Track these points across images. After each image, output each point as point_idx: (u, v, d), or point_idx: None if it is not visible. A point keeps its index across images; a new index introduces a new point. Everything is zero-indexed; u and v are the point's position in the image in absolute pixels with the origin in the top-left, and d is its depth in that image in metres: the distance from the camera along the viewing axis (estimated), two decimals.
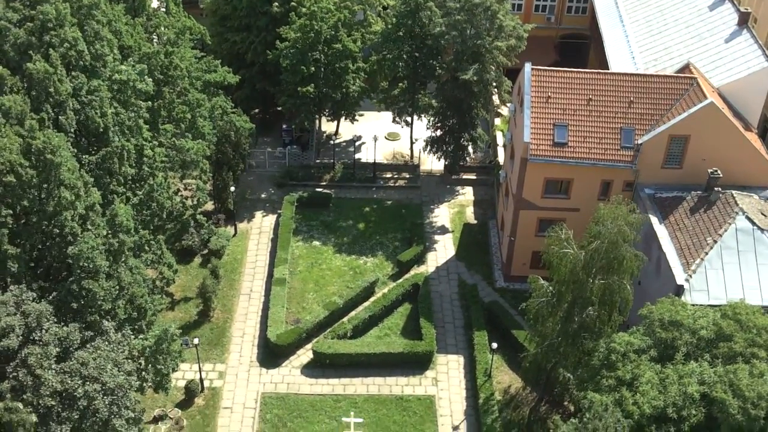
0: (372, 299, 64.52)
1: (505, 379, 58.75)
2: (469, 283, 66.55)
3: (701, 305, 51.57)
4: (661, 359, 48.72)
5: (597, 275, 50.63)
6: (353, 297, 64.00)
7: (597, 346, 49.96)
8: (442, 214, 74.25)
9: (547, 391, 56.70)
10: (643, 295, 55.79)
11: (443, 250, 70.66)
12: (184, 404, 56.55)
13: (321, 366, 59.14)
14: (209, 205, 70.78)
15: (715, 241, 54.90)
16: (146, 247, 57.24)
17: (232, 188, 70.95)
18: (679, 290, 53.47)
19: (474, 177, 78.80)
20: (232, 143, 70.20)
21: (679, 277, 54.09)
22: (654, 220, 58.38)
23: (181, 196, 63.01)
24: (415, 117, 78.03)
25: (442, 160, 78.23)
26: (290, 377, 58.79)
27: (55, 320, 44.33)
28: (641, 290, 57.41)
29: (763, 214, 56.35)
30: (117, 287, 47.80)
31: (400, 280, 66.52)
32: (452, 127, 74.84)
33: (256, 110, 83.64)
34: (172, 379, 53.34)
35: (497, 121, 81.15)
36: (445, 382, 58.67)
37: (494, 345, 57.71)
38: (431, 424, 55.56)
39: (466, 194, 77.08)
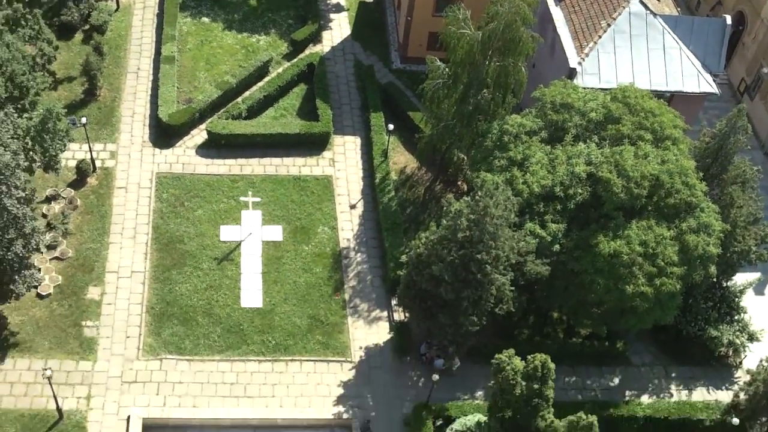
0: (266, 79, 63.19)
1: (401, 159, 59.85)
2: (365, 64, 65.88)
3: (592, 88, 52.90)
4: (551, 141, 50.34)
5: (493, 57, 50.93)
6: (246, 76, 62.47)
7: (490, 128, 51.02)
8: None
9: (441, 172, 58.28)
10: (537, 78, 56.79)
11: (338, 29, 69.11)
12: (77, 184, 55.42)
13: (216, 146, 58.53)
14: None
15: (609, 25, 55.57)
16: (22, 22, 53.97)
17: None
18: (572, 73, 54.57)
19: None
20: None
21: (572, 60, 55.02)
22: (550, 1, 58.39)
23: None
24: None
25: None
26: (185, 157, 58.09)
27: None
28: (535, 73, 58.37)
29: None
30: None
31: (295, 60, 65.12)
32: None
33: None
34: (62, 159, 52.03)
35: None
36: (342, 163, 59.35)
37: (390, 126, 58.19)
38: (329, 203, 56.65)
39: None
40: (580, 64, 54.97)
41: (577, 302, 47.46)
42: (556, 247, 46.38)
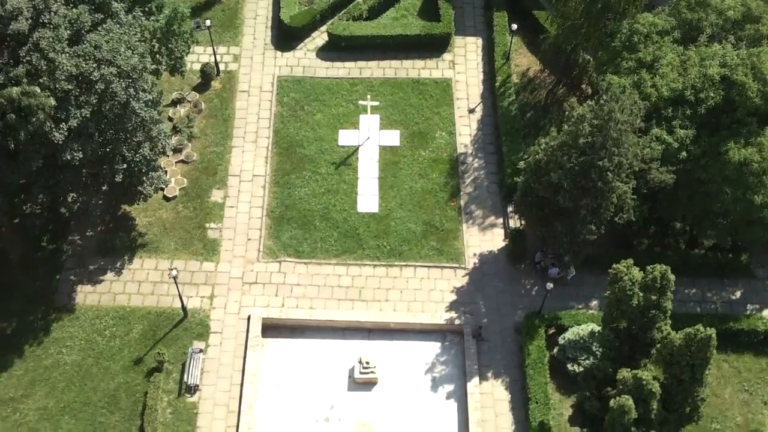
0: None
1: (523, 62, 57.88)
2: None
3: None
4: (684, 41, 47.57)
5: None
6: None
7: (620, 27, 48.59)
8: None
9: (565, 74, 56.07)
10: None
11: None
12: (201, 88, 56.50)
13: (337, 49, 58.17)
14: None
15: None
16: None
17: None
18: None
19: None
20: None
21: None
22: None
23: None
24: None
25: None
26: (305, 60, 58.12)
27: (64, 2, 43.04)
28: None
29: None
30: None
31: None
32: None
33: None
34: (186, 62, 52.99)
35: None
36: (463, 65, 57.90)
37: (514, 26, 56.09)
38: (447, 107, 55.69)
39: None
40: None
41: (702, 212, 45.39)
42: (683, 153, 44.23)
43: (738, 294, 48.62)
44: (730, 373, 45.92)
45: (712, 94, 44.73)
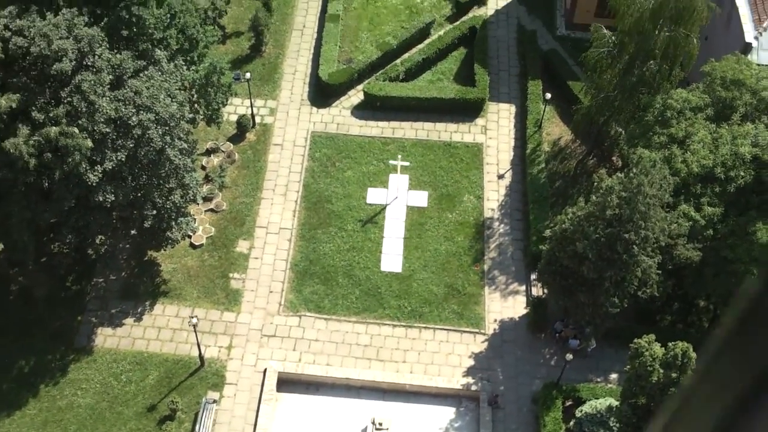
0: (427, 41, 62.86)
1: (555, 131, 58.14)
2: (528, 29, 64.12)
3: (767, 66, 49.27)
4: (717, 119, 47.52)
5: (664, 26, 48.38)
6: (408, 38, 62.35)
7: (653, 102, 48.73)
8: None
9: (596, 145, 56.17)
10: (707, 51, 53.35)
11: None
12: (236, 139, 57.42)
13: (371, 108, 58.94)
14: None
15: None
16: None
17: None
18: (747, 48, 50.98)
19: None
20: None
21: (749, 34, 51.38)
22: None
23: None
24: None
25: None
26: (340, 117, 58.92)
27: (108, 47, 44.21)
28: (706, 46, 54.85)
29: None
30: (168, 14, 47.14)
31: (457, 23, 64.32)
32: None
33: None
34: (224, 113, 54.02)
35: None
36: (495, 131, 58.34)
37: (548, 95, 56.50)
38: (477, 171, 55.96)
39: None
40: (756, 38, 51.25)
41: (727, 291, 44.79)
42: (710, 231, 43.89)
43: None
44: None
45: (742, 173, 44.46)
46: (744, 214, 44.44)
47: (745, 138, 45.45)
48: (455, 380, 46.82)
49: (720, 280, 44.58)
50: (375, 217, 53.61)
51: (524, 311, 49.68)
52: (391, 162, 54.58)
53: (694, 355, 37.53)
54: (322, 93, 59.87)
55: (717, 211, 44.16)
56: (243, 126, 57.48)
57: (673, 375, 37.69)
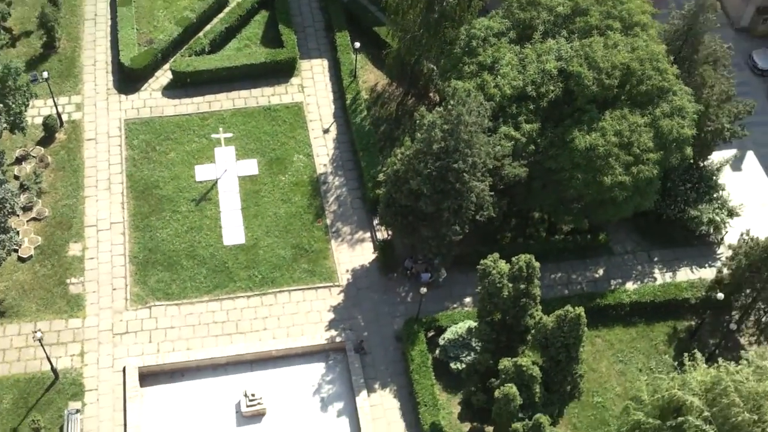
0: (226, 9, 61.54)
1: (371, 78, 58.69)
2: None
3: None
4: (520, 40, 49.30)
5: None
6: (206, 9, 60.85)
7: (458, 34, 49.97)
8: None
9: (412, 85, 57.20)
10: None
11: None
12: (46, 141, 54.55)
13: (182, 85, 57.39)
14: None
15: None
16: None
17: None
18: None
19: None
20: None
21: None
22: None
23: None
24: None
25: None
26: (152, 101, 57.06)
27: None
28: None
29: None
30: None
31: None
32: None
33: None
34: (27, 117, 51.25)
35: None
36: (312, 88, 58.23)
37: (357, 44, 56.90)
38: (302, 130, 55.78)
39: None
40: None
41: (557, 200, 47.05)
42: (531, 147, 45.81)
43: (601, 272, 50.63)
44: (603, 347, 47.66)
45: (552, 87, 46.53)
46: (559, 125, 46.60)
47: (549, 54, 47.46)
48: (319, 336, 47.02)
49: (548, 189, 46.74)
50: (208, 193, 52.55)
51: (373, 256, 50.32)
52: (213, 136, 53.57)
53: (537, 264, 39.12)
54: (128, 79, 57.77)
55: (534, 127, 46.08)
56: (50, 127, 54.68)
57: (522, 286, 39.19)
